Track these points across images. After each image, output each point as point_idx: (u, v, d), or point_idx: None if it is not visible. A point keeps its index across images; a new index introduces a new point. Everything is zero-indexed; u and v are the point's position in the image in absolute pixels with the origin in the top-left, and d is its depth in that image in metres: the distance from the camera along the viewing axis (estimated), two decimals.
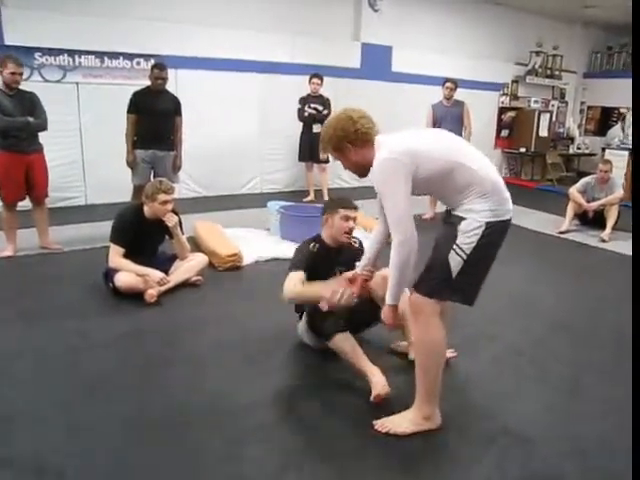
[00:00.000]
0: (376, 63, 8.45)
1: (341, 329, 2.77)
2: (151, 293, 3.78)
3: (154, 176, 5.25)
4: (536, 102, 10.37)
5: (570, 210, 6.65)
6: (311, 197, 7.51)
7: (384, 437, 2.38)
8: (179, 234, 4.05)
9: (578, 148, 10.98)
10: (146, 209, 3.94)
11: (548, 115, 10.20)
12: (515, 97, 10.27)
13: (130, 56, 6.59)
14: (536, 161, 10.53)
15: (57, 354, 3.09)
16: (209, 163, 7.27)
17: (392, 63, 8.65)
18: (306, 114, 7.22)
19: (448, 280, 2.22)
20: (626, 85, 10.01)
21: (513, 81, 10.18)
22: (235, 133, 7.43)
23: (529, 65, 10.16)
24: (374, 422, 2.42)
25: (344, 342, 2.76)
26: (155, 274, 3.85)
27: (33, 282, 4.22)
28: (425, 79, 8.73)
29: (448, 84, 6.64)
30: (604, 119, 11.38)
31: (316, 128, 7.24)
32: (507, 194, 2.28)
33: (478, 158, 2.30)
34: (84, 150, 6.55)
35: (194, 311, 3.77)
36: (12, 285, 4.17)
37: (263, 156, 7.87)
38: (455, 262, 2.20)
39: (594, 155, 11.08)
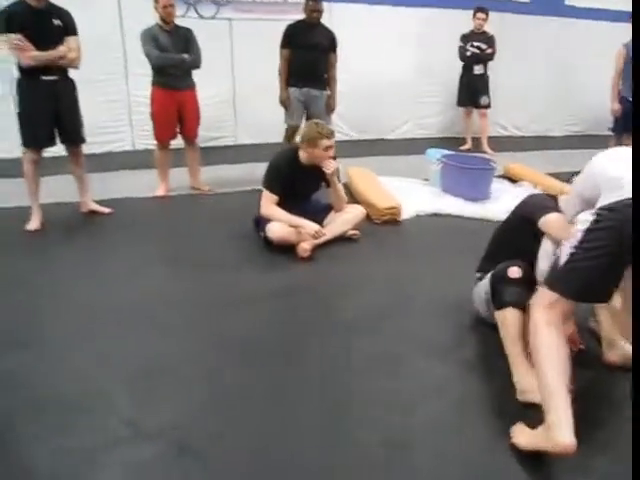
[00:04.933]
0: None
1: (519, 304, 2.33)
2: (304, 247, 3.48)
3: (307, 117, 4.93)
4: None
5: None
6: (468, 145, 6.88)
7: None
8: (337, 183, 3.69)
9: None
10: (303, 154, 3.61)
11: None
12: None
13: None
14: None
15: (202, 307, 2.90)
16: (360, 104, 6.79)
17: None
18: (468, 53, 6.50)
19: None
20: None
21: None
22: (390, 73, 6.87)
23: None
24: (512, 428, 1.98)
25: (515, 320, 2.32)
26: (310, 226, 3.53)
27: (182, 225, 4.10)
28: (606, 14, 7.55)
29: None
30: None
31: (478, 69, 6.56)
32: None
33: None
34: (236, 88, 6.37)
35: (350, 269, 3.42)
36: (162, 227, 4.08)
37: (418, 98, 7.26)
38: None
39: None
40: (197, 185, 4.81)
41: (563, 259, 1.95)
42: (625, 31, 7.18)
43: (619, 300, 2.38)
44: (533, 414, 1.99)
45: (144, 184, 4.77)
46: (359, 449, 1.92)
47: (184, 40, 4.39)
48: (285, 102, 4.96)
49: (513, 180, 5.40)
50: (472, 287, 2.80)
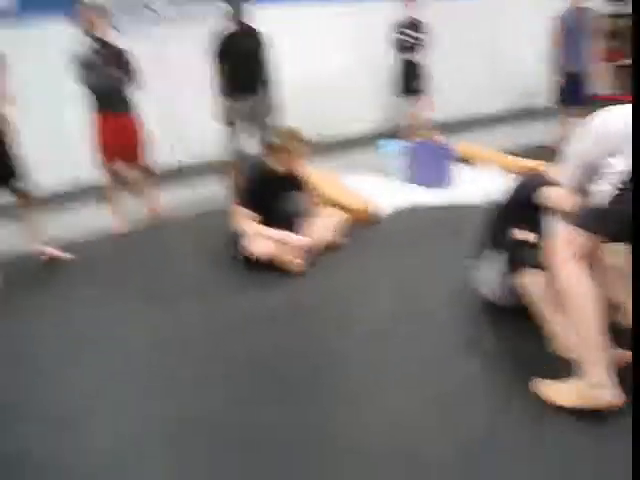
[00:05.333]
0: None
1: (541, 266, 2.33)
2: (295, 261, 3.26)
3: (251, 128, 4.60)
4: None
5: None
6: (411, 133, 6.77)
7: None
8: (312, 188, 3.48)
9: None
10: (274, 162, 3.39)
11: None
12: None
13: None
14: None
15: (198, 339, 2.67)
16: (301, 106, 6.43)
17: None
18: (401, 41, 6.40)
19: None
20: None
21: None
22: (326, 71, 6.72)
23: None
24: (537, 381, 2.07)
25: (537, 282, 2.35)
26: (296, 238, 3.33)
27: (151, 258, 3.81)
28: None
29: None
30: None
31: (412, 56, 6.44)
32: None
33: None
34: (173, 106, 6.01)
35: (346, 278, 3.25)
36: (128, 262, 3.76)
37: (357, 93, 7.10)
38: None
39: None
40: (156, 212, 4.47)
41: (605, 200, 1.90)
42: (551, 4, 7.38)
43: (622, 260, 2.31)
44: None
45: (99, 219, 4.39)
46: None
47: (120, 59, 4.06)
48: (225, 117, 4.58)
49: (468, 162, 5.34)
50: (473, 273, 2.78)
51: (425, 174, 4.59)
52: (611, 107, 2.29)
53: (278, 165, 3.38)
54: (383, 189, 4.58)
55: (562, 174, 2.44)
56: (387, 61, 6.70)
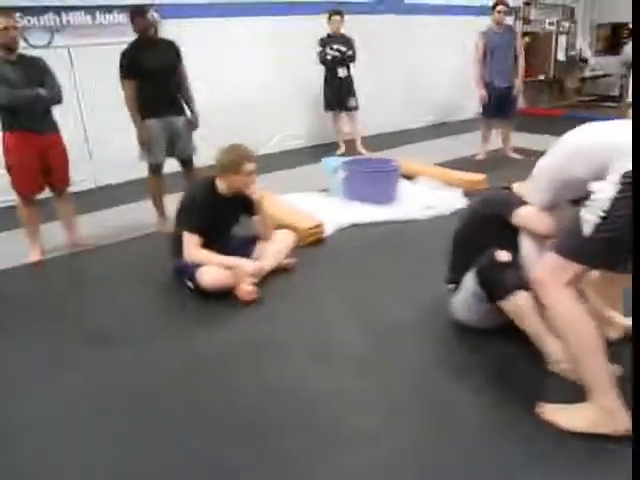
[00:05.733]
0: None
1: (525, 286, 2.22)
2: (248, 289, 3.02)
3: (172, 149, 4.20)
4: (551, 24, 9.57)
5: None
6: (342, 149, 6.72)
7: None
8: (265, 210, 3.26)
9: (592, 70, 10.32)
10: (222, 184, 3.15)
11: (565, 37, 9.47)
12: (527, 21, 9.47)
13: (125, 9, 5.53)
14: (554, 87, 9.84)
15: (136, 391, 2.32)
16: (223, 123, 6.22)
17: None
18: (329, 57, 6.35)
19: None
20: None
21: (525, 3, 9.36)
22: (250, 87, 6.49)
23: None
24: (541, 404, 2.02)
25: (526, 301, 2.24)
26: (247, 264, 3.09)
27: (74, 293, 3.39)
28: (445, 9, 7.93)
29: (500, 7, 5.82)
30: (614, 37, 10.72)
31: (342, 72, 6.43)
32: None
33: None
34: (85, 125, 5.58)
35: (302, 304, 3.06)
36: (51, 295, 3.34)
37: (283, 109, 6.93)
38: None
39: (609, 76, 10.46)
40: (77, 240, 4.06)
41: (587, 230, 1.84)
42: (467, 23, 7.63)
43: (596, 274, 2.35)
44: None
45: (11, 249, 3.92)
46: None
47: (36, 71, 3.66)
48: (146, 139, 4.07)
49: (407, 177, 5.31)
50: (440, 295, 2.74)
51: (372, 191, 4.48)
52: (591, 123, 2.27)
53: (225, 186, 3.13)
54: (327, 207, 4.41)
55: (532, 191, 2.40)
56: (314, 76, 6.62)
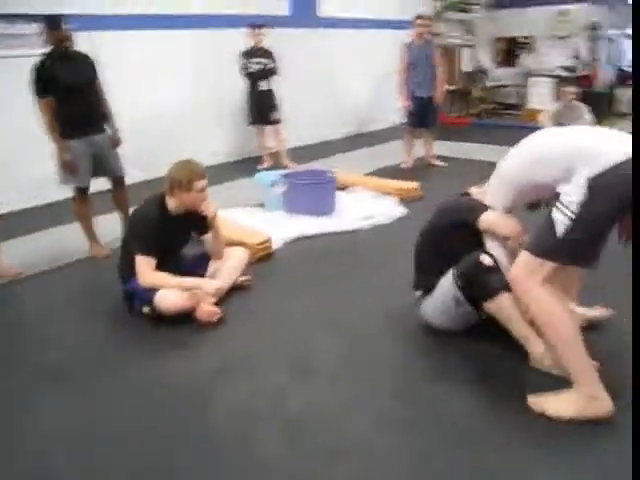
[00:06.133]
0: (304, 8, 7.60)
1: (509, 287, 2.29)
2: (211, 309, 2.90)
3: (99, 169, 3.96)
4: (455, 38, 10.03)
5: None
6: (267, 163, 6.66)
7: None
8: (219, 227, 3.14)
9: (493, 80, 10.91)
10: (173, 202, 3.00)
11: (469, 50, 9.96)
12: (435, 35, 9.83)
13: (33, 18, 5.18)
14: (461, 97, 10.30)
15: (101, 432, 2.14)
16: (143, 141, 5.98)
17: (317, 7, 7.84)
18: (251, 70, 6.28)
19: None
20: (527, 13, 10.13)
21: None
22: (170, 103, 6.28)
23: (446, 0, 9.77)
24: (529, 396, 2.12)
25: (512, 303, 2.33)
26: (209, 284, 2.97)
27: (12, 325, 3.10)
28: (357, 23, 8.09)
29: (420, 21, 6.02)
30: (511, 50, 11.41)
31: (264, 85, 6.37)
32: None
33: None
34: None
35: (269, 320, 2.97)
36: None
37: (204, 124, 6.77)
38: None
39: (508, 86, 11.10)
40: (1, 272, 3.73)
41: (559, 231, 1.94)
42: (383, 36, 7.84)
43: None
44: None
45: None
46: None
47: None
48: (69, 162, 3.75)
49: (343, 188, 5.34)
50: (411, 303, 2.76)
51: (307, 203, 4.46)
52: (549, 130, 2.38)
53: (176, 204, 2.98)
54: (269, 222, 4.34)
55: (493, 196, 2.47)
56: (234, 90, 6.53)
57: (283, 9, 7.41)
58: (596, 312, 2.66)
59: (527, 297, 2.11)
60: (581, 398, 2.01)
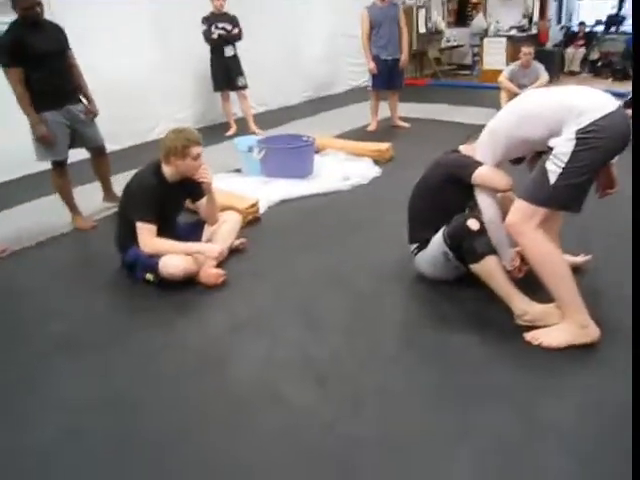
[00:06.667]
0: None
1: (493, 250, 2.54)
2: (215, 272, 2.99)
3: (79, 141, 3.94)
4: None
5: (504, 98, 6.61)
6: (234, 129, 6.65)
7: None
8: (213, 192, 3.20)
9: (448, 41, 11.08)
10: (168, 170, 3.04)
11: (424, 10, 10.05)
12: None
13: None
14: (417, 58, 10.43)
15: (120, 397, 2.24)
16: (107, 111, 5.85)
17: None
18: (214, 36, 6.21)
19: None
20: None
21: None
22: (132, 70, 6.14)
23: None
24: (525, 335, 2.35)
25: (497, 265, 2.53)
26: (211, 248, 3.05)
27: (12, 299, 3.10)
28: None
29: None
30: (461, 10, 11.58)
31: (228, 51, 6.33)
32: None
33: None
34: None
35: (272, 280, 3.08)
36: None
37: (167, 91, 6.65)
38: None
39: (462, 46, 11.30)
40: None
41: (552, 179, 2.18)
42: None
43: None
44: None
45: None
46: None
47: None
48: (45, 135, 3.66)
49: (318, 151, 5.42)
50: (410, 258, 2.93)
51: (287, 166, 4.55)
52: (537, 89, 2.56)
53: (172, 171, 3.03)
54: (251, 186, 4.40)
55: (484, 152, 2.63)
56: (197, 57, 6.46)
57: None
58: (578, 259, 2.89)
59: (523, 240, 2.34)
60: (573, 327, 2.28)
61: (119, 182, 3.63)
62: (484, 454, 1.78)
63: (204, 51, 6.36)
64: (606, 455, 1.75)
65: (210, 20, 6.20)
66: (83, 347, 2.53)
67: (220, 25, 6.22)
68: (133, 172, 3.16)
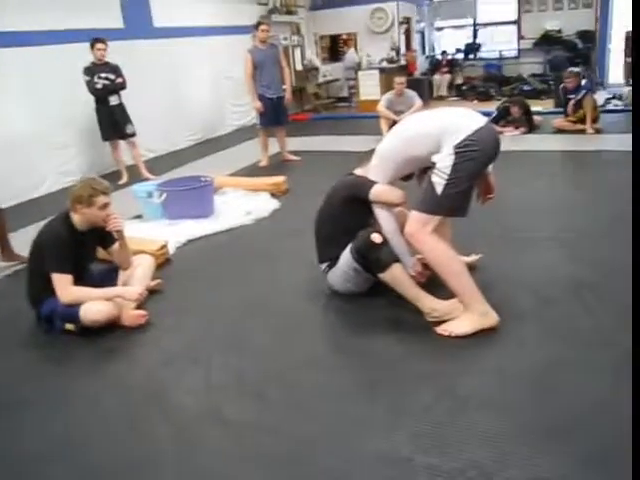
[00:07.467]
0: (138, 20, 7.62)
1: (396, 259, 2.81)
2: (137, 313, 3.05)
3: None
4: (285, 39, 10.56)
5: (384, 124, 7.15)
6: (125, 178, 6.62)
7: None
8: (125, 237, 3.25)
9: (324, 76, 11.67)
10: (77, 218, 3.06)
11: (299, 49, 10.57)
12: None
13: None
14: (298, 95, 10.88)
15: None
16: None
17: (152, 18, 7.90)
18: (99, 86, 6.22)
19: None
20: (344, 13, 11.06)
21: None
22: (11, 126, 5.97)
23: (269, 4, 10.24)
24: (436, 329, 2.64)
25: (402, 271, 2.81)
26: (130, 291, 3.09)
27: None
28: (194, 31, 8.33)
29: (263, 27, 6.42)
30: (333, 46, 12.28)
31: (113, 100, 6.35)
32: None
33: None
34: None
35: (195, 314, 3.17)
36: None
37: (51, 146, 6.50)
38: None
39: (338, 80, 11.94)
40: None
41: (439, 190, 2.54)
42: (222, 43, 8.09)
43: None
44: None
45: None
46: None
47: None
48: None
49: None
50: (321, 277, 3.17)
51: (188, 208, 4.65)
52: (417, 115, 2.93)
53: (81, 220, 3.05)
54: (157, 230, 4.45)
55: (377, 173, 2.94)
56: (77, 107, 6.42)
57: (117, 22, 7.35)
58: (470, 258, 3.26)
59: (423, 247, 2.68)
60: (475, 315, 2.60)
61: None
62: (418, 432, 2.01)
63: (89, 100, 6.32)
64: (522, 407, 2.11)
65: (92, 70, 6.19)
66: (14, 405, 2.46)
67: (103, 75, 6.24)
68: (30, 229, 3.13)
